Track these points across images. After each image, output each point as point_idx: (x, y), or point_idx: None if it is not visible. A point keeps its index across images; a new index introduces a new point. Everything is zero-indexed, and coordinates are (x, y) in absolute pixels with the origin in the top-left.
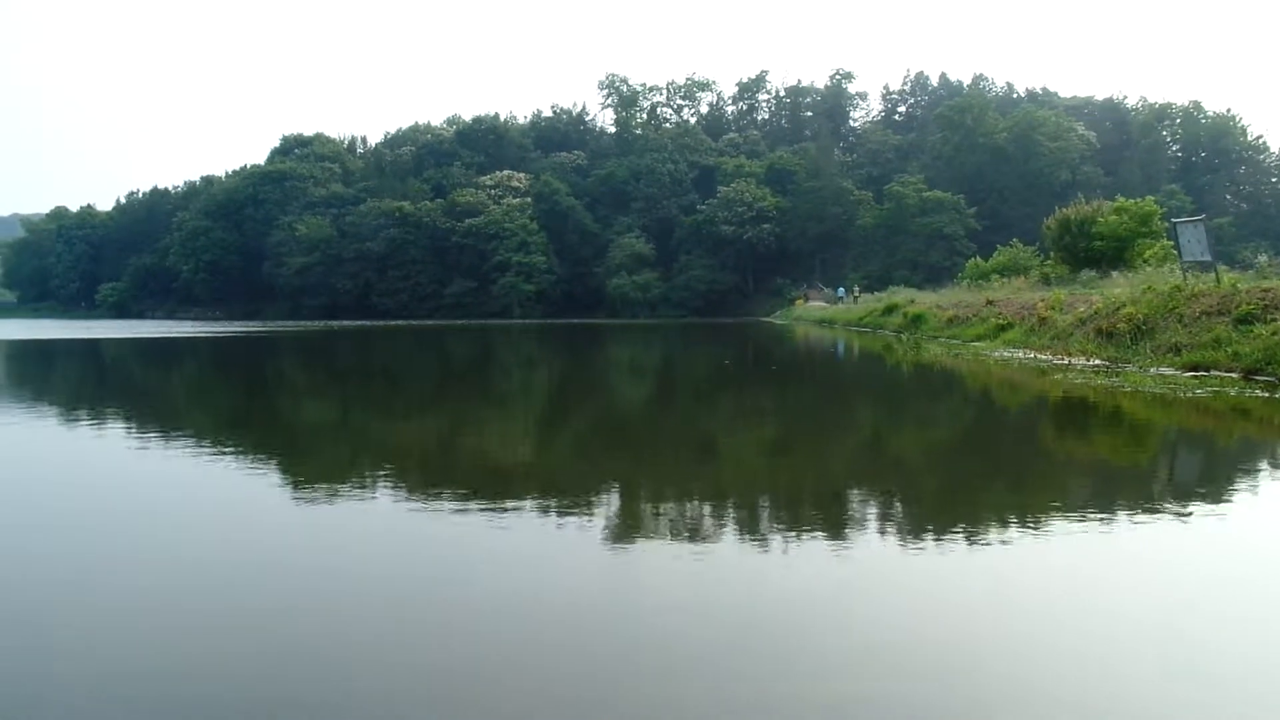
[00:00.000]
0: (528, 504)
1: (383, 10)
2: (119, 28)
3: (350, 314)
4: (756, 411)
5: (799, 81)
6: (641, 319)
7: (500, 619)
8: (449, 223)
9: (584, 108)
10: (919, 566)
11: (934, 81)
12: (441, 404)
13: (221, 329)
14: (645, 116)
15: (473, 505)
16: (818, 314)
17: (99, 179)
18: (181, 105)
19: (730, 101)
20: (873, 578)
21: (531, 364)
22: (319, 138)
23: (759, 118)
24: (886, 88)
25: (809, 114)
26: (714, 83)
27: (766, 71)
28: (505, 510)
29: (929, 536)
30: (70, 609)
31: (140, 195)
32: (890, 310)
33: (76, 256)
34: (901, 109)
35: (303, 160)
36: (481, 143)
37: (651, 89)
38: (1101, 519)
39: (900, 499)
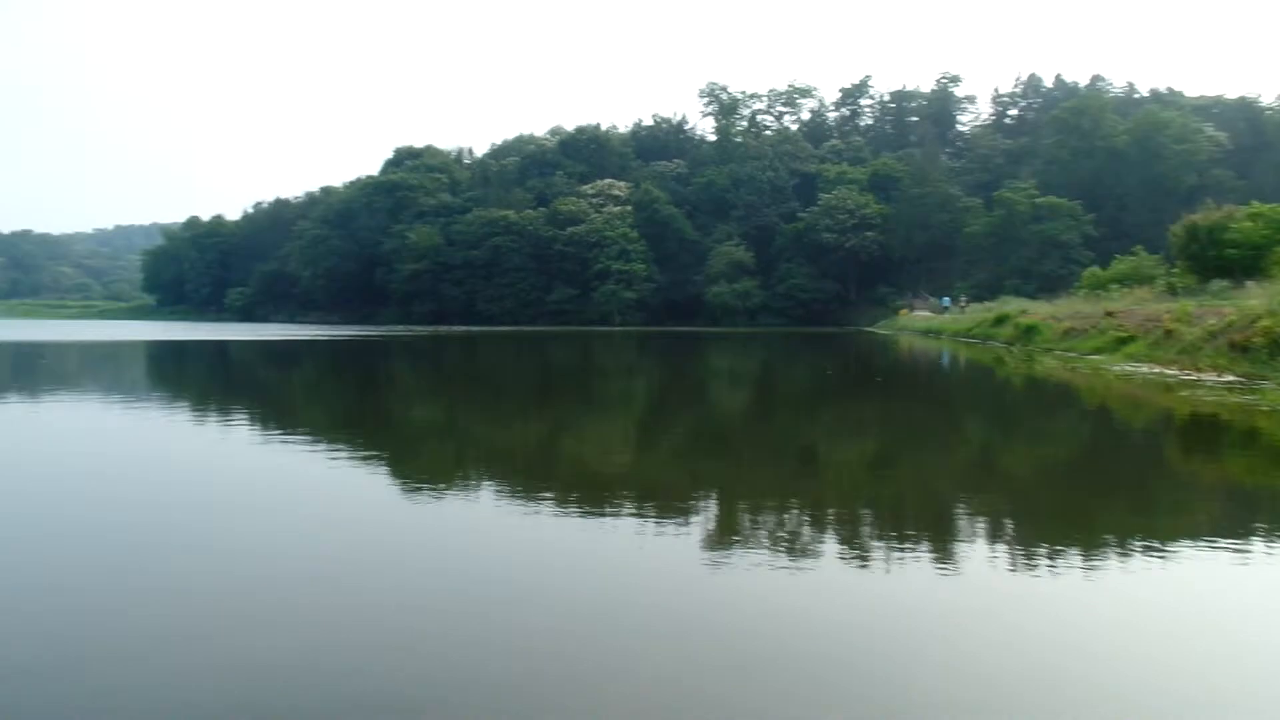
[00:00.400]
0: (624, 509)
1: (490, 26)
2: (241, 48)
3: (457, 319)
4: (858, 423)
5: (903, 86)
6: (741, 327)
7: (590, 622)
8: (551, 231)
9: (684, 116)
10: (1022, 589)
11: (1048, 83)
12: (544, 409)
13: (338, 333)
14: (746, 124)
15: (571, 508)
16: (923, 324)
17: (229, 189)
18: (303, 119)
19: (832, 108)
20: (971, 598)
21: (632, 371)
22: (429, 149)
23: (862, 123)
24: (996, 90)
25: (914, 119)
26: (815, 89)
27: (870, 76)
28: (602, 514)
29: (1040, 559)
30: (172, 600)
31: (265, 205)
32: (1001, 321)
33: (208, 263)
34: (1012, 112)
35: (414, 171)
36: (583, 152)
37: (752, 96)
38: (1234, 547)
39: (1009, 518)
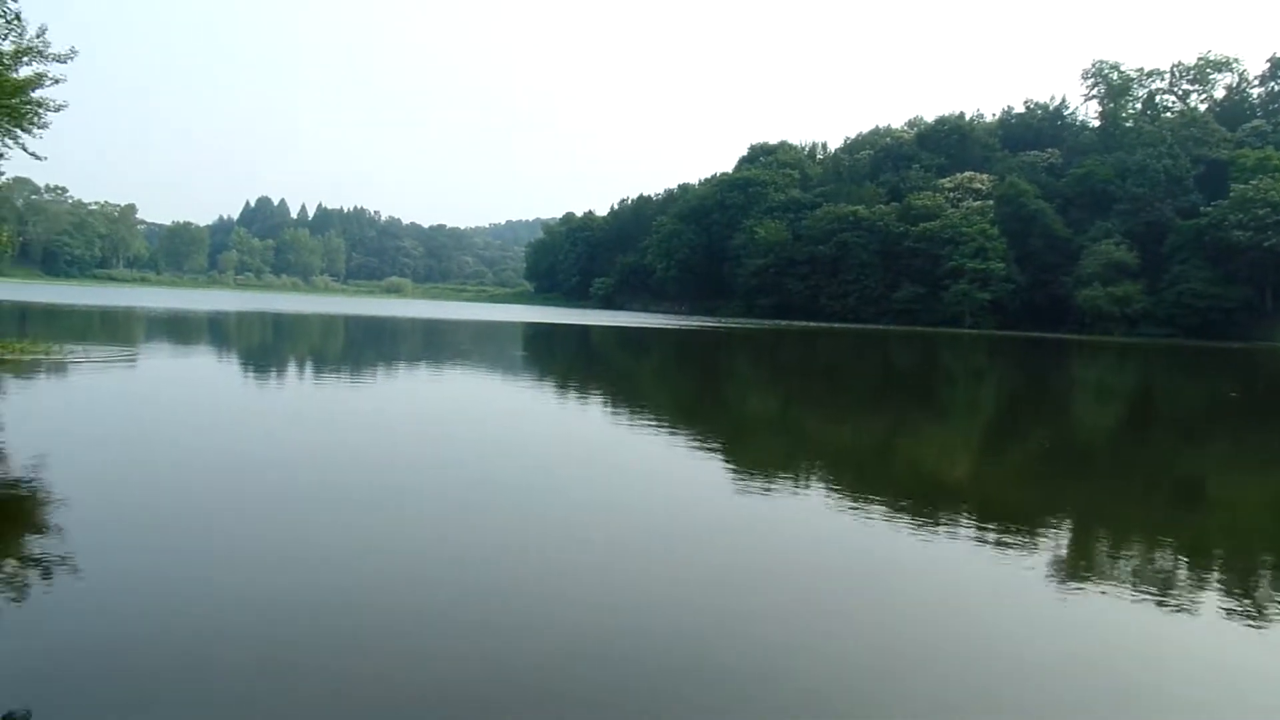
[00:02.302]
0: (963, 523)
1: (851, 16)
2: (613, 57)
3: (799, 314)
4: (1267, 458)
5: None
6: (1115, 336)
7: (926, 643)
8: (902, 226)
9: (1062, 100)
10: None
11: None
12: (881, 410)
13: (688, 323)
14: (1139, 106)
15: (903, 516)
16: None
17: (601, 186)
18: (669, 121)
19: (1257, 82)
20: None
21: (981, 377)
22: (783, 145)
23: None
24: None
25: None
26: (1236, 61)
27: None
28: (937, 526)
29: None
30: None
31: (629, 202)
32: None
33: (578, 255)
34: None
35: (766, 167)
36: (943, 144)
37: (1150, 74)
38: None
39: None
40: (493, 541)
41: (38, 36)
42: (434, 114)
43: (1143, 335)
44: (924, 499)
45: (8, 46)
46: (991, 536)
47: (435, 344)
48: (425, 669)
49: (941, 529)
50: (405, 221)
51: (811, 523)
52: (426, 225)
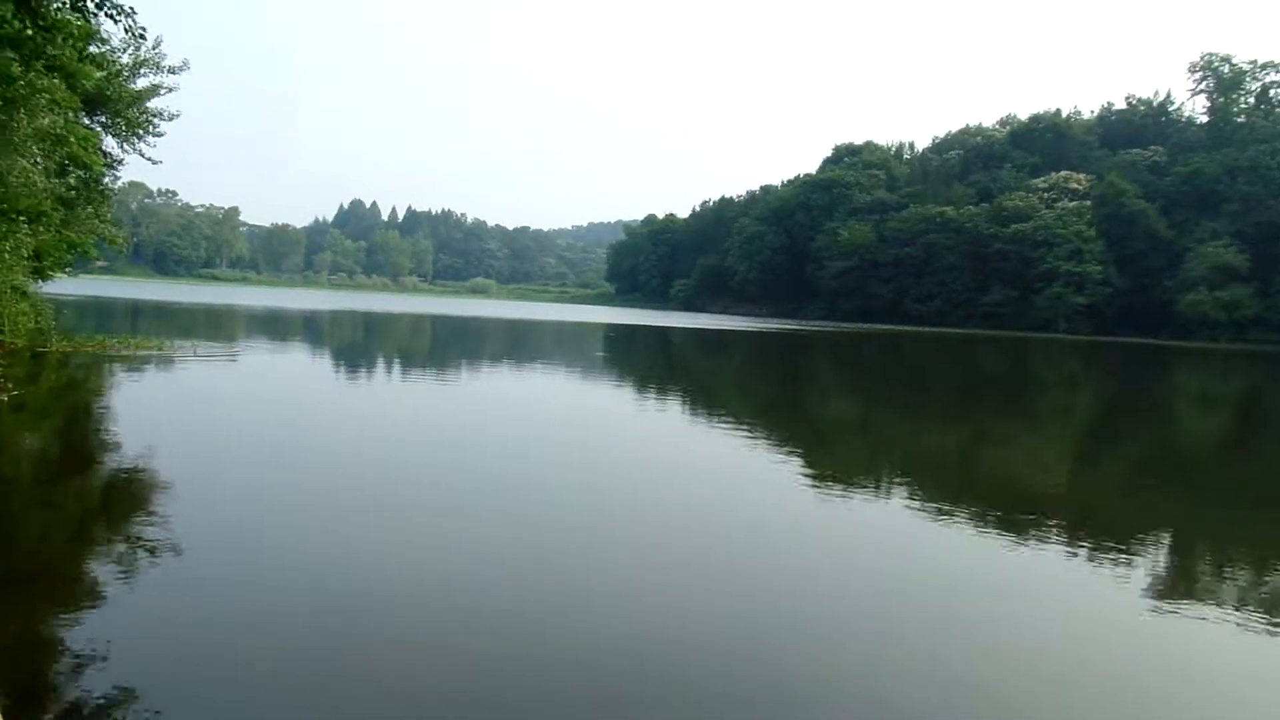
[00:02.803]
0: (1054, 534)
1: (940, 11)
2: (695, 59)
3: (883, 318)
4: None
5: None
6: (1222, 343)
7: (1016, 662)
8: (992, 228)
9: (1167, 96)
10: None
11: None
12: (967, 418)
13: (769, 326)
14: (1252, 101)
15: (990, 524)
16: None
17: (683, 187)
18: (753, 121)
19: None
20: None
21: (1075, 384)
22: (868, 146)
23: None
24: None
25: None
26: None
27: None
28: (1026, 536)
29: None
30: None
31: (710, 203)
32: None
33: (659, 256)
34: None
35: (851, 168)
36: (1037, 143)
37: (1264, 66)
38: None
39: None
40: (578, 544)
41: (154, 49)
42: (519, 116)
43: (1254, 341)
44: (1012, 506)
45: (126, 59)
46: (1084, 549)
47: (522, 344)
48: (511, 666)
49: (1029, 539)
50: (490, 223)
51: (898, 530)
52: (511, 227)
